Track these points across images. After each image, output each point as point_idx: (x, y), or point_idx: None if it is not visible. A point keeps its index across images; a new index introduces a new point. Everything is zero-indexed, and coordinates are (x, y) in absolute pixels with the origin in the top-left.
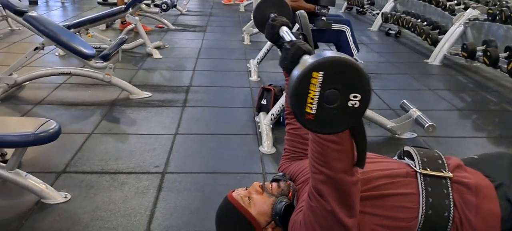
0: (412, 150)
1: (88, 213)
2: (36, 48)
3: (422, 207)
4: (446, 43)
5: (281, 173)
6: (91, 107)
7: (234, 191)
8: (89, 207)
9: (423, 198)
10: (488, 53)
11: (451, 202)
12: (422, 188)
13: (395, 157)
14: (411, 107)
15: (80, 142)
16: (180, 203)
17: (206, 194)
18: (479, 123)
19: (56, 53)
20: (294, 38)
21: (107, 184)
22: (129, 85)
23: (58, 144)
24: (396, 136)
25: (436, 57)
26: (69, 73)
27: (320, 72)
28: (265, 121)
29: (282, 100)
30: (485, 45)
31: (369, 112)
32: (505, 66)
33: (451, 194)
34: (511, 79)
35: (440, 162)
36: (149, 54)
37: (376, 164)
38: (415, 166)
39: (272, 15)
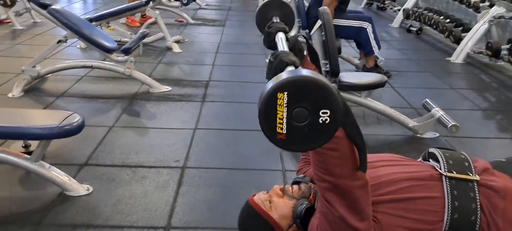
0: (437, 152)
1: (109, 206)
2: (59, 41)
3: (448, 211)
4: (470, 41)
5: (301, 175)
6: (112, 100)
7: (255, 195)
8: (111, 200)
9: (448, 202)
10: None
11: (478, 206)
12: (447, 191)
13: (420, 159)
14: (434, 106)
15: (102, 135)
16: (200, 198)
17: (226, 190)
18: (504, 123)
19: (78, 46)
20: (285, 48)
21: (128, 178)
22: (149, 79)
23: (80, 137)
24: (418, 135)
25: (459, 56)
26: (91, 67)
27: (284, 92)
28: None
29: None
30: (510, 44)
31: (390, 111)
32: None
33: (478, 197)
34: None
35: (467, 164)
36: (169, 48)
37: (399, 166)
38: (440, 169)
39: (274, 18)
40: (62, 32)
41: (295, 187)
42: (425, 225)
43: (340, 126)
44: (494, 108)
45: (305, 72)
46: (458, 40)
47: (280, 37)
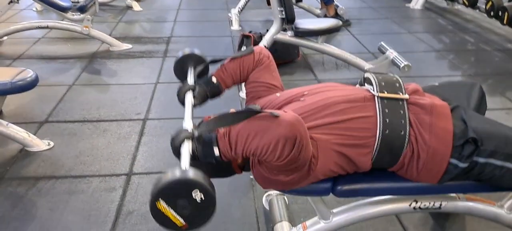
0: (371, 76)
1: (71, 158)
2: (11, 2)
3: (380, 127)
4: None
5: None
6: (71, 60)
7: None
8: (73, 153)
9: (380, 119)
10: None
11: (407, 122)
12: (379, 109)
13: (357, 85)
14: (388, 48)
15: (61, 93)
16: (161, 146)
17: None
18: (456, 62)
19: (34, 9)
20: (189, 128)
21: (90, 132)
22: (109, 38)
23: (39, 96)
24: None
25: (417, 1)
26: (47, 27)
27: (159, 200)
28: None
29: (262, 44)
30: None
31: (346, 55)
32: (484, 6)
33: (407, 114)
34: (489, 20)
35: (398, 85)
36: (129, 7)
37: (335, 91)
38: (373, 90)
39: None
40: None
41: None
42: (359, 141)
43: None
44: (448, 49)
45: (167, 176)
46: None
47: (188, 98)
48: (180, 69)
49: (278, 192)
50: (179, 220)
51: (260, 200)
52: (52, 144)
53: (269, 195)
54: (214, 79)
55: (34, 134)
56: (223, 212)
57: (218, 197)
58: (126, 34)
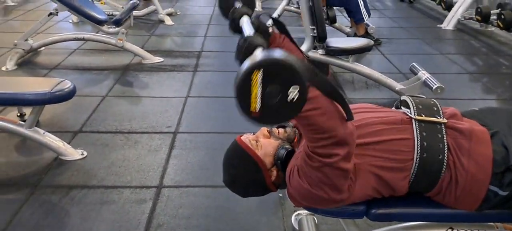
0: (408, 99)
1: (103, 168)
2: (50, 14)
3: (417, 150)
4: (460, 7)
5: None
6: (105, 72)
7: (242, 135)
8: (105, 163)
9: (417, 142)
10: (502, 17)
11: (445, 146)
12: (417, 132)
13: (393, 107)
14: (420, 69)
15: (95, 104)
16: (191, 160)
17: (216, 152)
18: (489, 85)
19: (70, 21)
20: (251, 31)
21: (121, 143)
22: (141, 51)
23: (73, 106)
24: None
25: (449, 22)
26: (83, 39)
27: (259, 71)
28: None
29: None
30: (499, 8)
31: (377, 75)
32: None
33: (445, 138)
34: None
35: (435, 108)
36: (161, 21)
37: (372, 112)
38: (410, 113)
39: (236, 3)
40: (54, 6)
41: (282, 129)
42: (397, 164)
43: (307, 97)
44: (481, 71)
45: (277, 52)
46: (449, 7)
47: (245, 21)
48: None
49: (308, 211)
50: (257, 104)
51: (289, 219)
52: (85, 153)
53: (298, 214)
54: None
55: (69, 143)
56: (251, 229)
57: (245, 213)
58: (157, 47)
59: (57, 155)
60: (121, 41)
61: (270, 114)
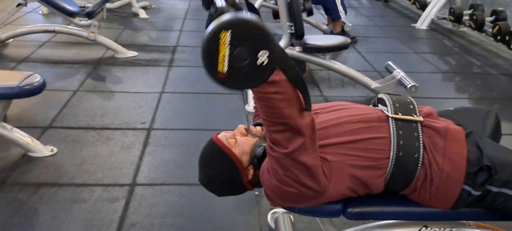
0: (385, 97)
1: (74, 166)
2: (19, 4)
3: (393, 148)
4: (434, 7)
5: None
6: (76, 65)
7: (219, 133)
8: (76, 160)
9: (394, 140)
10: (475, 17)
11: (421, 145)
12: (393, 131)
13: (370, 105)
14: (395, 68)
15: (66, 99)
16: (165, 157)
17: (191, 149)
18: (462, 85)
19: (40, 12)
20: (224, 4)
21: (93, 139)
22: (114, 44)
23: (43, 100)
24: None
25: (423, 22)
26: (53, 31)
27: (228, 31)
28: None
29: None
30: (472, 9)
31: (353, 73)
32: (491, 30)
33: (421, 137)
34: (495, 44)
35: (412, 107)
36: (135, 14)
37: (349, 110)
38: (387, 111)
39: None
40: None
41: (259, 127)
42: (373, 162)
43: (276, 67)
44: (454, 70)
45: (248, 15)
46: (423, 7)
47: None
48: None
49: (284, 210)
50: (224, 65)
51: (265, 218)
52: (55, 150)
53: (274, 212)
54: None
55: (38, 139)
56: (227, 229)
57: (221, 212)
58: (132, 41)
59: (26, 151)
60: (94, 34)
61: (238, 77)
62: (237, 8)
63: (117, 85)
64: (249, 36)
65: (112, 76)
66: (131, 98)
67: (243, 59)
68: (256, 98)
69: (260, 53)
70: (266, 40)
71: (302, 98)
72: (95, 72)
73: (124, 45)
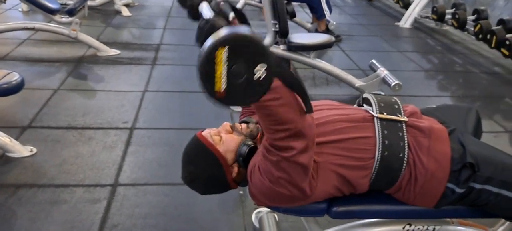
0: (370, 97)
1: (54, 166)
2: None
3: (379, 148)
4: (417, 6)
5: (247, 117)
6: (56, 64)
7: (203, 130)
8: (56, 161)
9: (379, 140)
10: (457, 16)
11: (406, 144)
12: (378, 131)
13: (355, 105)
14: (379, 66)
15: (46, 98)
16: (148, 157)
17: (175, 149)
18: (444, 83)
19: (20, 9)
20: (212, 15)
21: (74, 139)
22: (96, 42)
23: (22, 99)
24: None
25: (407, 21)
26: (33, 29)
27: (225, 47)
28: None
29: None
30: (454, 8)
31: (338, 71)
32: (472, 29)
33: (406, 136)
34: (477, 43)
35: (397, 107)
36: (118, 12)
37: (334, 110)
38: (372, 111)
39: None
40: None
41: (244, 125)
42: (358, 162)
43: (274, 78)
44: (437, 69)
45: (243, 29)
46: (406, 6)
47: (204, 6)
48: None
49: (268, 209)
50: (221, 84)
51: (249, 217)
52: (34, 150)
53: (259, 212)
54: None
55: (16, 139)
56: (211, 228)
57: (205, 212)
58: (114, 39)
59: (4, 151)
60: (75, 32)
61: (236, 94)
62: (225, 17)
63: (99, 84)
64: (246, 51)
65: (94, 74)
66: (113, 97)
67: (241, 75)
68: (255, 109)
69: (257, 67)
70: (263, 53)
71: (301, 101)
72: (76, 70)
73: (106, 43)
